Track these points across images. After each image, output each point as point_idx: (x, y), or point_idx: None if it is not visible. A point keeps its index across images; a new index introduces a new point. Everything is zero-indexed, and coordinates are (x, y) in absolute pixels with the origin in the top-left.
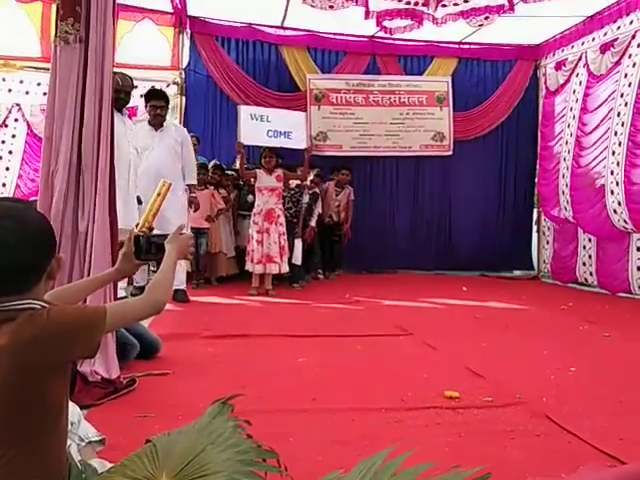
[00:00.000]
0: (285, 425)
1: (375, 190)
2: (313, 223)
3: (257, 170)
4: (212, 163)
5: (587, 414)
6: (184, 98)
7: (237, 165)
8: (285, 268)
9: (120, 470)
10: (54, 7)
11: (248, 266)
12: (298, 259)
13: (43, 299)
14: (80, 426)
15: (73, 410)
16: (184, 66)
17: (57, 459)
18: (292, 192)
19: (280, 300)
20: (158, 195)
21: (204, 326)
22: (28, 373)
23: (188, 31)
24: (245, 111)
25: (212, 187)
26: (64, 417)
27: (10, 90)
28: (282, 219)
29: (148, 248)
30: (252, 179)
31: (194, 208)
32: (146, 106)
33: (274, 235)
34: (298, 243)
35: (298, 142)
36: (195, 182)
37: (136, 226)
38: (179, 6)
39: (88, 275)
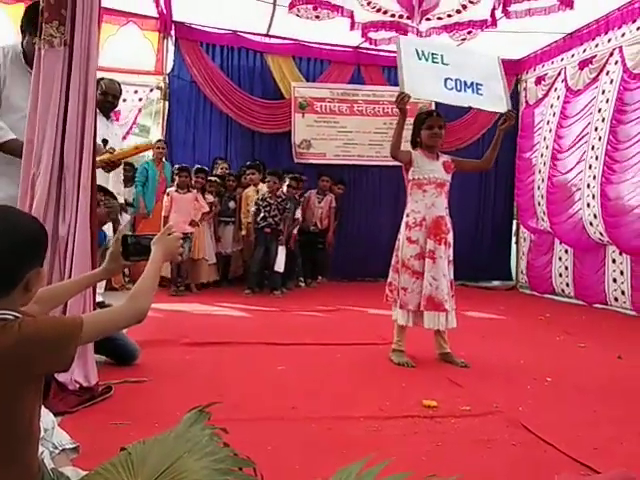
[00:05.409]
0: (263, 433)
1: (358, 199)
2: (295, 230)
3: (412, 151)
4: (195, 167)
5: (562, 424)
6: (167, 103)
7: (216, 170)
8: (454, 323)
9: (94, 478)
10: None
11: (397, 315)
12: (281, 267)
13: (17, 309)
14: (54, 433)
15: (47, 417)
16: (168, 71)
17: (29, 470)
18: (279, 200)
19: (260, 307)
20: (136, 148)
21: (183, 333)
22: None
23: (173, 36)
24: (408, 46)
25: (195, 191)
26: (35, 428)
27: None
28: (451, 236)
29: (135, 249)
30: (406, 166)
31: None
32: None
33: (442, 264)
34: (282, 250)
35: (494, 101)
36: None
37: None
38: (164, 11)
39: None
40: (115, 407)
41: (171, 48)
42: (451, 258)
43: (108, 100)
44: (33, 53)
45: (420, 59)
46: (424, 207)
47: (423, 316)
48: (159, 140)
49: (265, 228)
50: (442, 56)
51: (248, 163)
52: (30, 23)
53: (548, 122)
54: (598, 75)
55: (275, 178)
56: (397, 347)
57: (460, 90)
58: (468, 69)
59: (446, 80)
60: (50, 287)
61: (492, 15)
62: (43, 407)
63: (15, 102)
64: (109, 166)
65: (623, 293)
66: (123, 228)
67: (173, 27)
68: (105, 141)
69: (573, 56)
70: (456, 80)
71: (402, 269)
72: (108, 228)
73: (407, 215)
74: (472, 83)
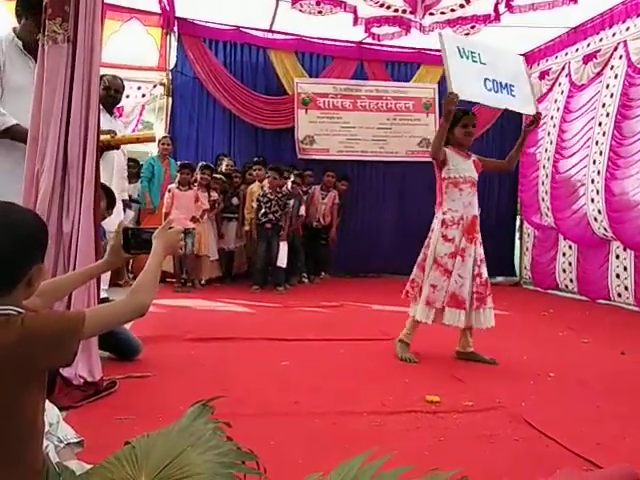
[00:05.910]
0: (266, 428)
1: (361, 194)
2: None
3: (446, 149)
4: (201, 164)
5: (565, 419)
6: (170, 99)
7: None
8: (491, 322)
9: (99, 472)
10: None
11: (416, 311)
12: (283, 262)
13: (19, 305)
14: (59, 427)
15: (52, 411)
16: (171, 67)
17: (33, 464)
18: (280, 195)
19: (264, 303)
20: (137, 139)
21: (187, 329)
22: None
23: (176, 32)
24: (451, 42)
25: (197, 187)
26: (40, 423)
27: None
28: (480, 236)
29: (136, 242)
30: (439, 164)
31: None
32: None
33: (470, 263)
34: (284, 246)
35: (524, 103)
36: None
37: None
38: (167, 7)
39: None
40: (119, 402)
41: (174, 44)
42: (482, 257)
43: (111, 95)
44: (30, 39)
45: (462, 57)
46: (462, 206)
47: (444, 313)
48: (164, 136)
49: (266, 224)
50: (479, 55)
51: (255, 159)
52: (25, 7)
53: (552, 117)
54: (602, 70)
55: (276, 174)
56: (405, 338)
57: (497, 91)
58: (501, 69)
59: (485, 80)
60: (54, 280)
61: (495, 10)
62: (48, 401)
63: (18, 84)
64: (107, 148)
65: (626, 289)
66: (127, 224)
67: (176, 23)
68: (113, 132)
69: (577, 50)
70: (493, 80)
71: (434, 266)
72: (107, 222)
73: (444, 213)
74: (506, 84)
